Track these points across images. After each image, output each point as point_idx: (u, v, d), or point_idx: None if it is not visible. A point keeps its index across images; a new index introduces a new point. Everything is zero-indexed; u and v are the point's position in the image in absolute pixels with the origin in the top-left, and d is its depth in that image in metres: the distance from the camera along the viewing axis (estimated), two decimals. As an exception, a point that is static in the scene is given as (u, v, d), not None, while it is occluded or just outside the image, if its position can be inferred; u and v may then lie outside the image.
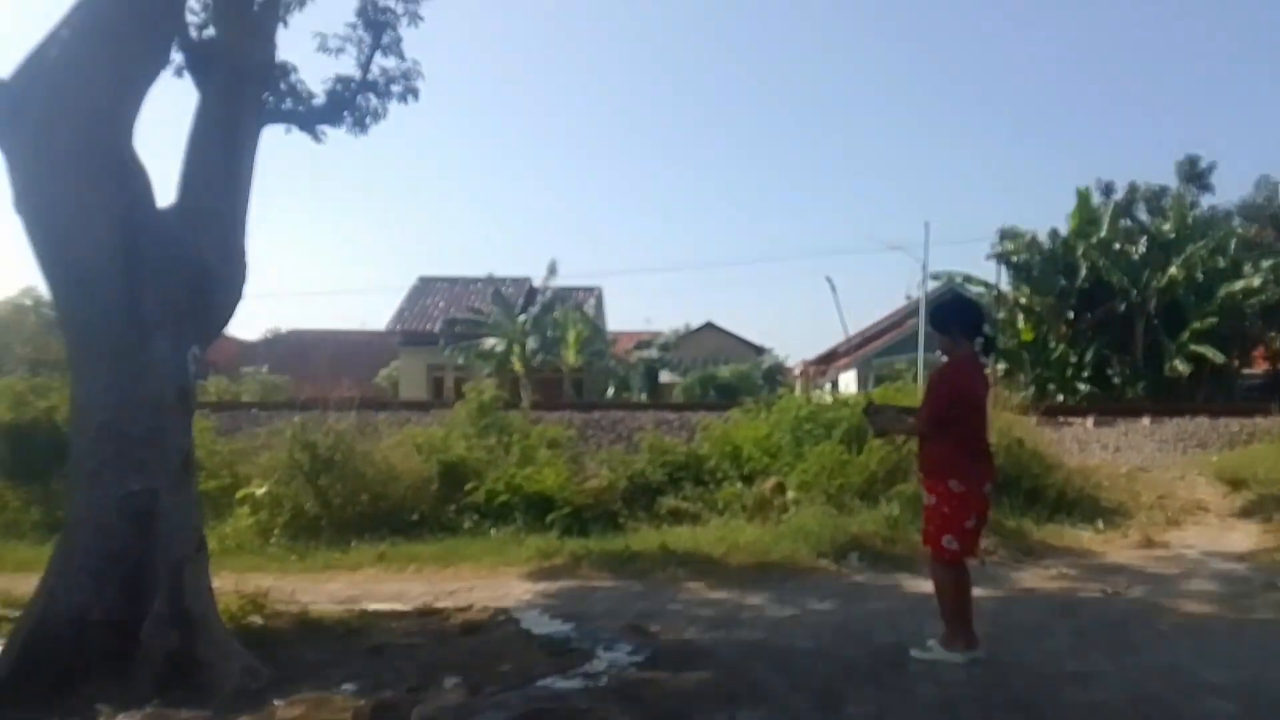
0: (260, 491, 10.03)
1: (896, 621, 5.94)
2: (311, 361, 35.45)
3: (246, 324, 54.93)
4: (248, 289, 5.44)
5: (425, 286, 35.09)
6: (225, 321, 5.51)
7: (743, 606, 6.46)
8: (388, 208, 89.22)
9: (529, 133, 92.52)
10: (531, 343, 27.91)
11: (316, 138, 6.56)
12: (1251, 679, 4.64)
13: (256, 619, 5.68)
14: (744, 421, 11.96)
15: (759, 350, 43.23)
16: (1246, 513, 9.26)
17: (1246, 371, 24.67)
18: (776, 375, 36.01)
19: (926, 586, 5.91)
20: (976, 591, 5.17)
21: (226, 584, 5.79)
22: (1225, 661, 4.97)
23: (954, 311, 5.37)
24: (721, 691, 4.30)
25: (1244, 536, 8.51)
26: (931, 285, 25.26)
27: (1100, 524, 8.88)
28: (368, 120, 6.72)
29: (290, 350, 36.97)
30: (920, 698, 4.34)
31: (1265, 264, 22.41)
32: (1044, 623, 5.89)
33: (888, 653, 5.13)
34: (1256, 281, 21.84)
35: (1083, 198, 24.37)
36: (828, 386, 28.28)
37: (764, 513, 9.70)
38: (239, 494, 10.22)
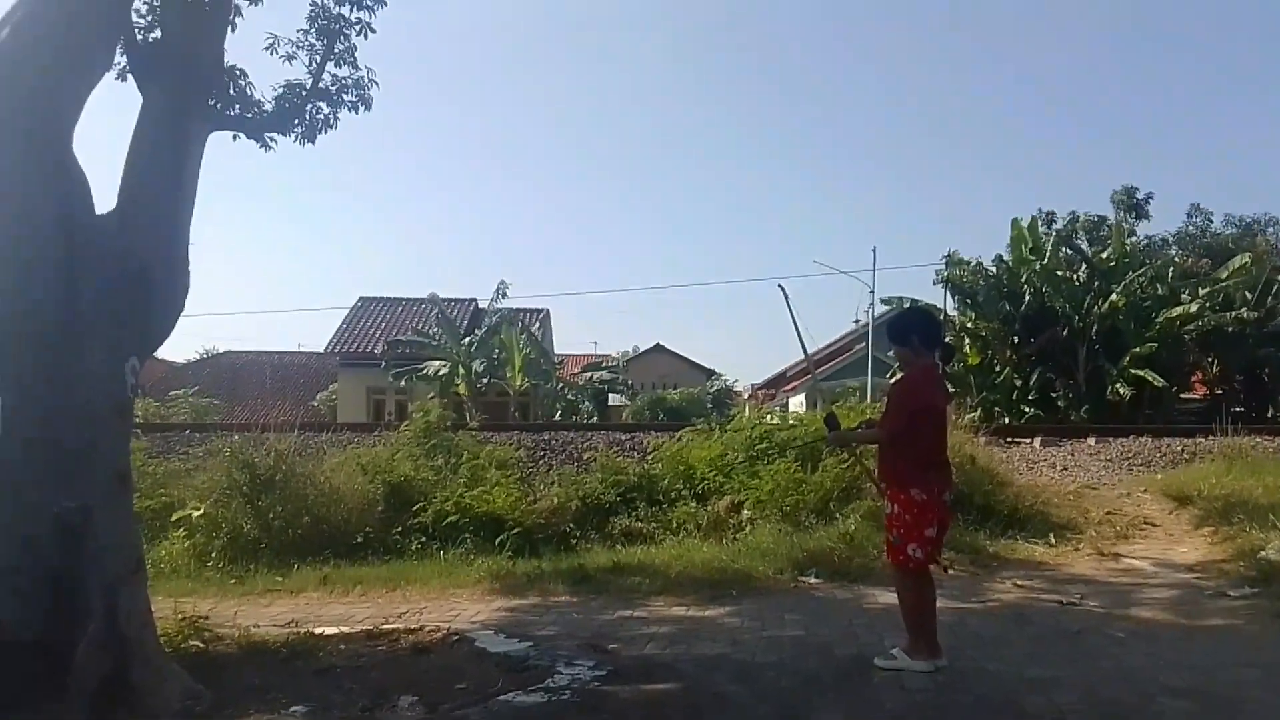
0: (197, 514, 9.70)
1: (858, 634, 5.88)
2: (246, 384, 34.67)
3: (176, 345, 53.64)
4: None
5: (366, 307, 34.49)
6: (166, 333, 5.31)
7: (701, 622, 6.37)
8: (327, 225, 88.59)
9: (476, 153, 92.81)
10: (477, 365, 27.46)
11: (265, 145, 6.37)
12: (1205, 681, 4.69)
13: (196, 643, 5.47)
14: (697, 442, 11.90)
15: (708, 373, 43.49)
16: (1193, 526, 9.42)
17: (1185, 397, 25.16)
18: (725, 399, 36.13)
19: (887, 600, 5.89)
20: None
21: (163, 608, 5.55)
22: (1179, 665, 5.01)
23: (913, 322, 5.37)
24: (686, 703, 4.21)
25: (1191, 549, 8.65)
26: (880, 309, 25.57)
27: (1052, 538, 8.96)
28: (318, 129, 6.55)
29: (223, 373, 35.95)
30: (886, 706, 4.29)
31: (1202, 291, 23.03)
32: (1002, 632, 5.89)
33: (851, 664, 5.08)
34: (1194, 308, 22.40)
35: (1018, 227, 24.55)
36: (777, 410, 28.37)
37: (719, 531, 9.63)
38: (174, 516, 9.87)
